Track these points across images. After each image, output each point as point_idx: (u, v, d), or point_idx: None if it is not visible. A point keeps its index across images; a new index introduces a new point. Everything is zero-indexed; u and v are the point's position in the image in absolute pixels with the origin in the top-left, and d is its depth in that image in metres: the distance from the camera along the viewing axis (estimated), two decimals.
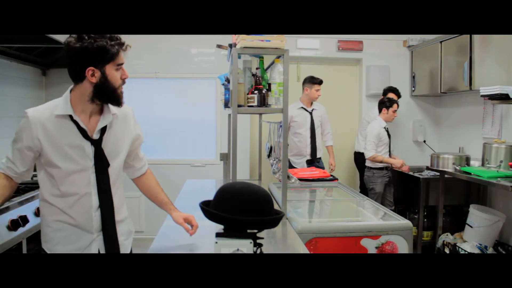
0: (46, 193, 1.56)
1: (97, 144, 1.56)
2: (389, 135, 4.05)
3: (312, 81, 4.05)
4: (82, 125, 1.53)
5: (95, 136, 1.56)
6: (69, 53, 1.45)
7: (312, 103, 4.17)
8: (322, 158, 4.29)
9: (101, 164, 1.57)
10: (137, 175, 1.84)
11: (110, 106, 1.57)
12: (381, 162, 3.94)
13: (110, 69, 1.49)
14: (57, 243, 1.57)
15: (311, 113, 4.14)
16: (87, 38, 1.43)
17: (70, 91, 1.54)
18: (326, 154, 4.39)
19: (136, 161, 1.80)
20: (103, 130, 1.57)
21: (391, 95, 4.21)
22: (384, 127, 4.01)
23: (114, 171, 1.63)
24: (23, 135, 1.50)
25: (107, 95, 1.51)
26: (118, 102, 1.55)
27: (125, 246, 1.72)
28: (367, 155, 3.96)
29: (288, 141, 3.55)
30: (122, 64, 1.52)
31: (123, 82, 1.55)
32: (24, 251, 2.22)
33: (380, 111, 4.08)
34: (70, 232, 1.57)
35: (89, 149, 1.54)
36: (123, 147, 1.66)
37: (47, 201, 1.56)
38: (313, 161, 4.14)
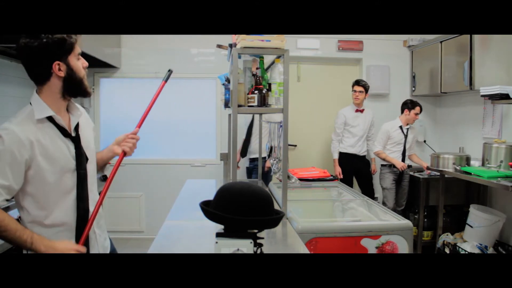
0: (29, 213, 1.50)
1: (76, 142, 1.54)
2: (406, 136, 4.14)
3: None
4: (62, 123, 1.51)
5: (73, 134, 1.54)
6: (30, 54, 1.42)
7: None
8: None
9: (82, 161, 1.54)
10: None
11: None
12: (384, 159, 4.16)
13: (73, 60, 1.49)
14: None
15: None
16: (43, 35, 1.41)
17: (37, 93, 1.48)
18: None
19: None
20: (76, 127, 1.57)
21: (356, 88, 4.21)
22: (400, 126, 4.15)
23: (92, 166, 1.62)
24: (13, 151, 1.39)
25: (76, 87, 1.51)
26: (86, 92, 1.55)
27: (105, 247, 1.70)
28: (373, 149, 4.27)
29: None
30: (80, 53, 1.52)
31: (85, 71, 1.55)
32: (24, 251, 2.21)
33: (402, 112, 4.22)
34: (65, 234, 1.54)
35: (72, 147, 1.53)
36: (91, 139, 1.66)
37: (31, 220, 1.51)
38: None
